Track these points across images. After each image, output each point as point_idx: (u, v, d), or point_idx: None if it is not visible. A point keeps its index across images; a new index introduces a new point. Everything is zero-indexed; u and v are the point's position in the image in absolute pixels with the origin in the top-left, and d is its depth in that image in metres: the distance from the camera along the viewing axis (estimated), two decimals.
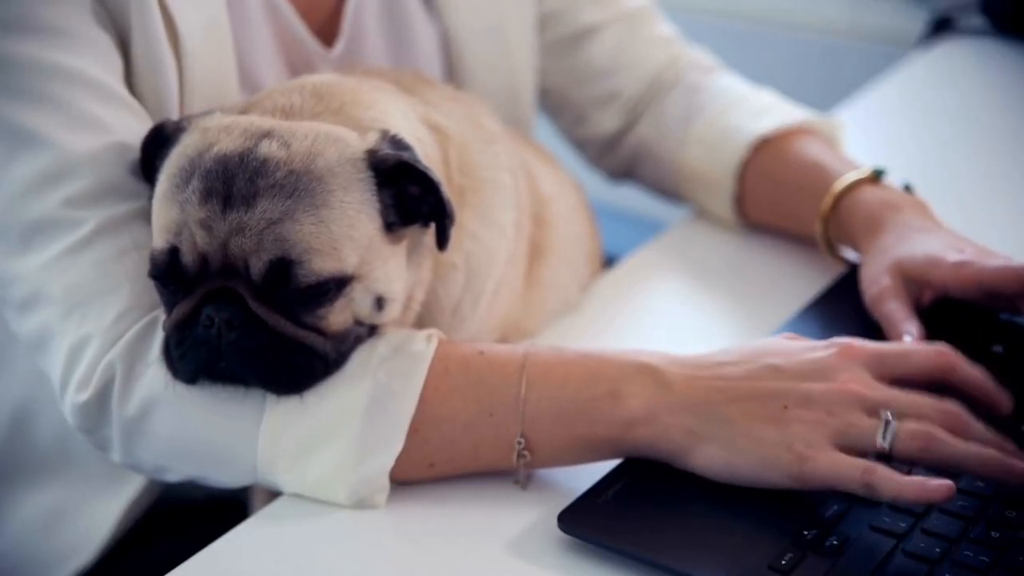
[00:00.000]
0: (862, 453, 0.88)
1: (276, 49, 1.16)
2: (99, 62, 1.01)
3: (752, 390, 0.90)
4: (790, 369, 0.91)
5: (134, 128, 1.00)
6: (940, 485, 0.85)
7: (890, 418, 0.88)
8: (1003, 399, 0.95)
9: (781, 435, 0.88)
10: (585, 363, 0.94)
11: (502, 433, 0.93)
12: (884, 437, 0.87)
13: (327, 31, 1.21)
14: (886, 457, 0.88)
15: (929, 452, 0.87)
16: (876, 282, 1.11)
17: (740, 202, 1.32)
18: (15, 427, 1.22)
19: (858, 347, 0.93)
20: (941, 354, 0.95)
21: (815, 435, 0.88)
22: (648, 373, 0.92)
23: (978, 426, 0.90)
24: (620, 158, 1.43)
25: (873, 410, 0.89)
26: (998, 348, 1.08)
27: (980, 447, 0.88)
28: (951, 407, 0.90)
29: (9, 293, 0.99)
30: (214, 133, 0.92)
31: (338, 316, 0.91)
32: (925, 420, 0.88)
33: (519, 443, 0.93)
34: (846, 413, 0.89)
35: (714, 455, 0.89)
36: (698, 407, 0.90)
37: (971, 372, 0.95)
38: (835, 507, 0.89)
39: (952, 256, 1.08)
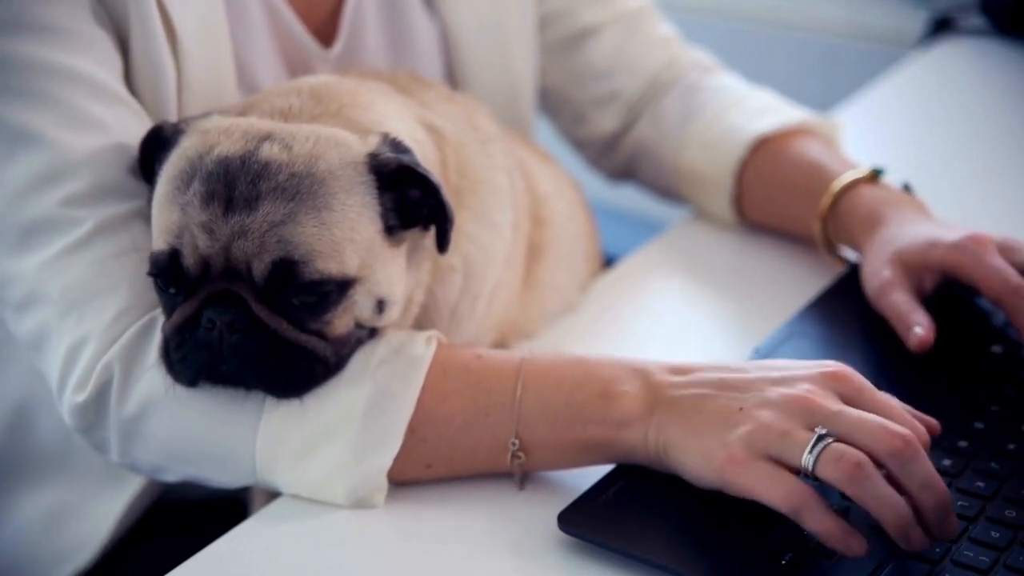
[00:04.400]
0: (793, 469, 0.84)
1: (275, 49, 1.16)
2: (98, 61, 1.01)
3: (716, 391, 0.89)
4: (768, 377, 0.90)
5: (133, 128, 1.00)
6: (858, 544, 0.81)
7: (823, 435, 0.84)
8: (951, 523, 0.84)
9: (721, 434, 0.86)
10: (580, 366, 0.94)
11: (498, 435, 0.93)
12: (811, 452, 0.83)
13: (326, 30, 1.21)
14: (811, 478, 0.84)
15: (852, 482, 0.82)
16: (877, 275, 1.11)
17: (739, 202, 1.32)
18: (15, 426, 1.22)
19: (843, 373, 0.89)
20: (895, 436, 0.83)
21: (750, 440, 0.85)
22: (640, 376, 0.92)
23: (924, 465, 0.83)
24: (619, 158, 1.43)
25: (814, 426, 0.85)
26: (998, 348, 1.08)
27: (900, 501, 0.81)
28: (904, 434, 0.83)
29: (7, 293, 0.99)
30: (214, 135, 0.92)
31: (340, 320, 0.91)
32: (867, 445, 0.83)
33: (513, 445, 0.93)
34: (787, 422, 0.85)
35: (676, 452, 0.89)
36: (671, 407, 0.90)
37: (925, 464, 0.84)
38: (835, 507, 0.88)
39: (950, 236, 1.08)
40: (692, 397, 0.90)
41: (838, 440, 0.84)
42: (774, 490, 0.83)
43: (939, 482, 0.83)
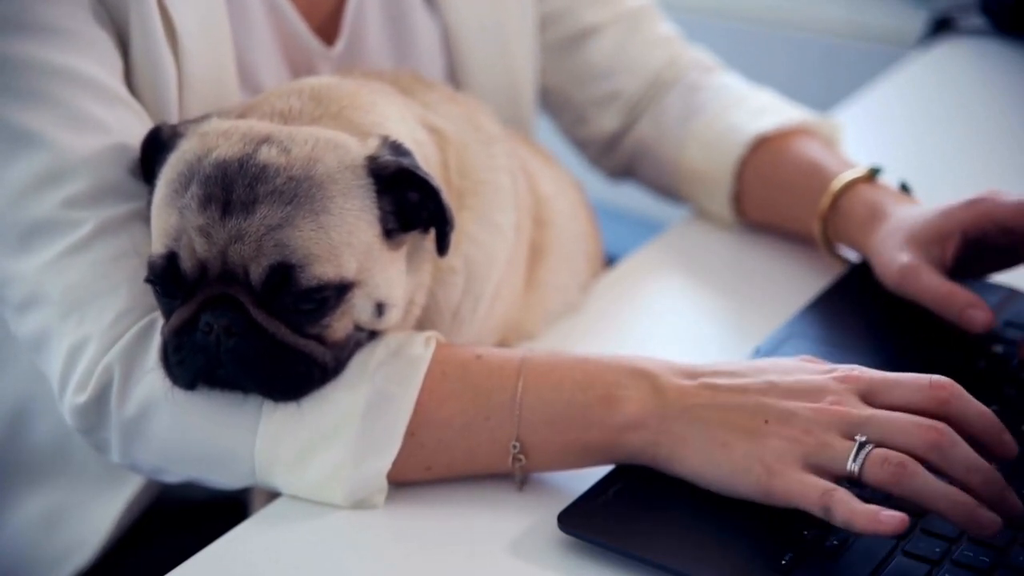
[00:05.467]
0: (836, 477, 0.85)
1: (277, 48, 1.16)
2: (99, 62, 1.01)
3: (737, 402, 0.89)
4: (782, 386, 0.90)
5: (134, 128, 1.00)
6: (891, 517, 0.81)
7: (864, 442, 0.85)
8: (1008, 443, 0.87)
9: (754, 448, 0.87)
10: (582, 367, 0.93)
11: (498, 437, 0.93)
12: (855, 461, 0.84)
13: (328, 29, 1.21)
14: (857, 483, 0.85)
15: (898, 482, 0.83)
16: (895, 261, 1.10)
17: (738, 201, 1.33)
18: (14, 427, 1.22)
19: (855, 373, 0.90)
20: (935, 386, 0.88)
21: (787, 452, 0.86)
22: (644, 378, 0.92)
23: (965, 450, 0.84)
24: (620, 158, 1.43)
25: (851, 434, 0.86)
26: (998, 348, 1.08)
27: (952, 489, 0.82)
28: (937, 425, 0.85)
29: (8, 294, 0.99)
30: (212, 138, 0.92)
31: (338, 323, 0.91)
32: (906, 443, 0.85)
33: (514, 447, 0.93)
34: (823, 434, 0.86)
35: (691, 460, 0.89)
36: (684, 414, 0.90)
37: (972, 408, 0.87)
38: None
39: (961, 200, 1.08)
40: (710, 407, 0.89)
41: (876, 445, 0.85)
42: (808, 493, 0.84)
43: (983, 463, 0.84)
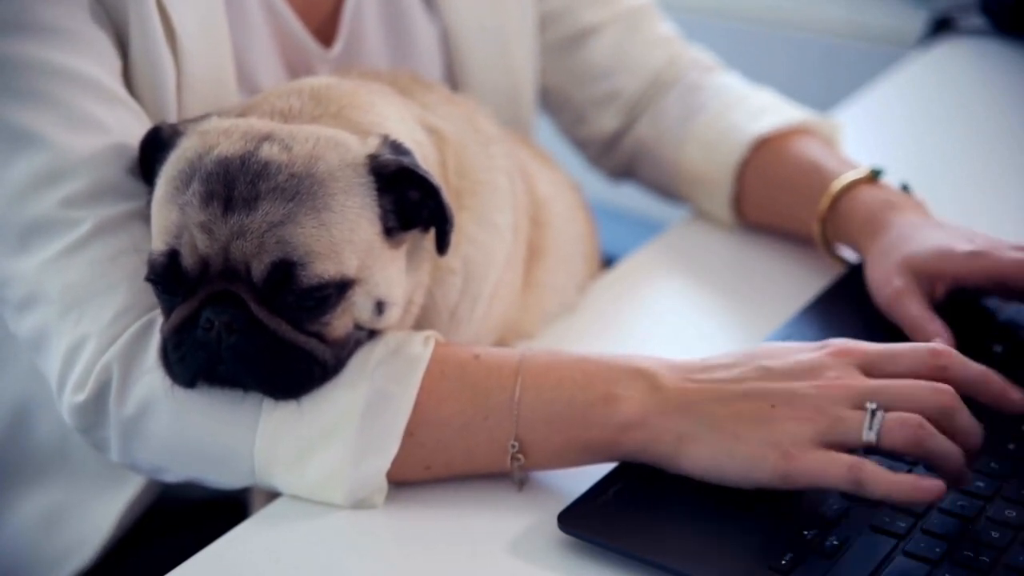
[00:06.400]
0: (852, 450, 0.86)
1: (275, 49, 1.16)
2: (98, 62, 1.01)
3: (740, 391, 0.90)
4: (780, 369, 0.90)
5: (133, 128, 1.00)
6: (933, 484, 0.83)
7: (875, 409, 0.86)
8: (1015, 398, 0.90)
9: (767, 434, 0.87)
10: (580, 367, 0.93)
11: (496, 436, 0.93)
12: (871, 428, 0.86)
13: (326, 31, 1.21)
14: (874, 452, 0.86)
15: (918, 443, 0.85)
16: (888, 283, 1.10)
17: (738, 202, 1.32)
18: (14, 427, 1.22)
19: (850, 347, 0.92)
20: (933, 353, 0.91)
21: (801, 433, 0.87)
22: (643, 377, 0.92)
23: (967, 414, 0.87)
24: (620, 158, 1.43)
25: (860, 404, 0.87)
26: (998, 348, 1.08)
27: (957, 451, 0.86)
28: (942, 387, 0.87)
29: (7, 293, 0.99)
30: (213, 136, 0.92)
31: (339, 321, 0.91)
32: (917, 407, 0.86)
33: (513, 446, 0.93)
34: (832, 409, 0.87)
35: (702, 456, 0.89)
36: (688, 409, 0.90)
37: (969, 369, 0.90)
38: (835, 507, 0.89)
39: (963, 246, 1.08)
40: (715, 402, 0.90)
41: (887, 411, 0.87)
42: (834, 471, 0.85)
43: (977, 424, 0.87)
